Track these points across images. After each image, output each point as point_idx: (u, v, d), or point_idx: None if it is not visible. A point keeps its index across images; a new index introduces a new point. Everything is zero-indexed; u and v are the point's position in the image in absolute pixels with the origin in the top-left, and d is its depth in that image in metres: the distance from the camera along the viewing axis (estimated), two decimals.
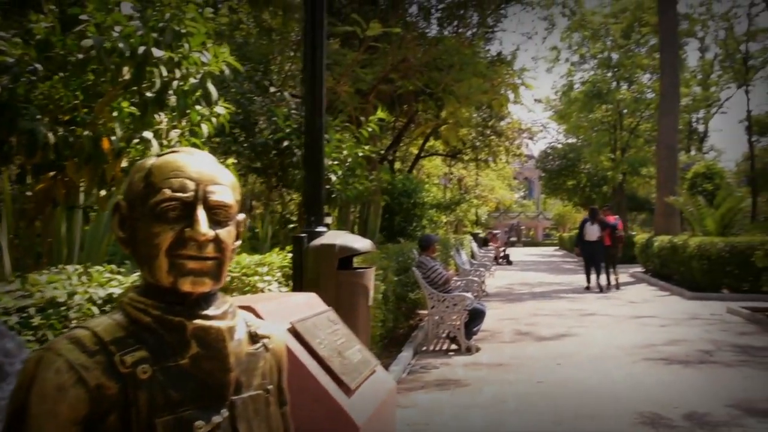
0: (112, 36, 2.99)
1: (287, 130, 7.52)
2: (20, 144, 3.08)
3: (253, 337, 1.31)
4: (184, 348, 1.15)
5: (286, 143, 7.51)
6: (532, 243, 55.51)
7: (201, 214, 1.17)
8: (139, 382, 1.10)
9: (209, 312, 1.20)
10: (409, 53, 11.46)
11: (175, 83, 3.32)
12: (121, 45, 2.94)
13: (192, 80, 3.40)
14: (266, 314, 2.35)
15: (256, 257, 4.60)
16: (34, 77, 3.11)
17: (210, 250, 1.17)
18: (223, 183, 1.23)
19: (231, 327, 1.23)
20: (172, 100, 3.35)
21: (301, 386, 2.30)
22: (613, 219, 15.52)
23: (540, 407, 5.40)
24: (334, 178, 7.25)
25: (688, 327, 9.38)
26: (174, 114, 3.55)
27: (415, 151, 21.02)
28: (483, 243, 26.55)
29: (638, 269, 19.11)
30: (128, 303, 1.19)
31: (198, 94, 3.45)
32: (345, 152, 7.48)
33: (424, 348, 7.90)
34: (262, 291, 4.13)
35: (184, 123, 3.78)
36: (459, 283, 10.31)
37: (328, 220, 6.30)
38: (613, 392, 5.81)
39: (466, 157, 23.71)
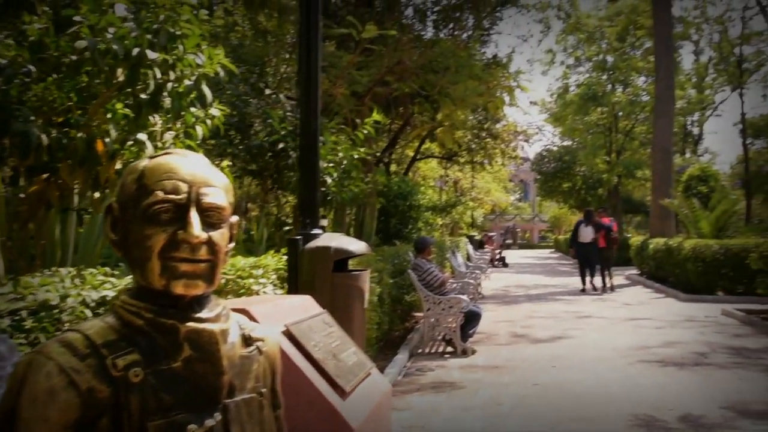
0: (106, 37, 2.97)
1: (282, 133, 7.51)
2: (13, 146, 3.06)
3: (247, 340, 1.30)
4: (176, 351, 1.15)
5: (281, 145, 7.50)
6: (528, 245, 55.52)
7: (194, 216, 1.16)
8: (131, 385, 1.09)
9: (202, 315, 1.19)
10: (405, 56, 11.47)
11: (169, 85, 3.30)
12: (115, 46, 2.92)
13: (187, 82, 3.39)
14: (261, 317, 2.34)
15: (251, 260, 4.59)
16: (28, 79, 3.10)
17: (203, 253, 1.16)
18: (216, 185, 1.22)
19: (224, 330, 1.22)
20: (167, 102, 3.34)
21: (295, 389, 2.29)
22: (607, 221, 15.55)
23: (536, 409, 5.39)
24: (329, 180, 7.25)
25: (683, 329, 9.40)
26: (168, 116, 3.54)
27: (411, 154, 21.03)
28: (479, 245, 26.55)
29: (633, 271, 19.14)
30: (120, 306, 1.18)
31: (193, 96, 3.44)
32: (340, 154, 7.47)
33: (420, 350, 7.90)
34: (257, 293, 4.12)
35: (178, 125, 3.77)
36: (455, 285, 10.30)
37: (324, 222, 6.31)
38: (609, 394, 5.81)
39: (461, 160, 23.74)
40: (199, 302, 1.20)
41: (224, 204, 1.22)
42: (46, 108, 3.24)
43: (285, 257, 4.58)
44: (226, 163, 5.51)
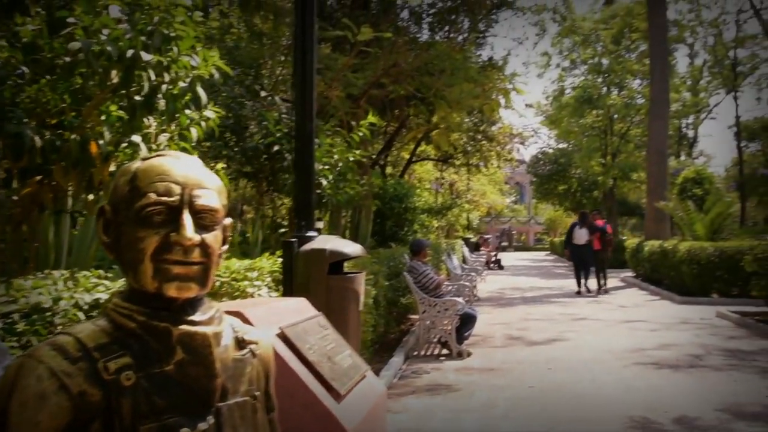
0: (101, 39, 2.96)
1: (278, 135, 7.50)
2: (6, 147, 3.05)
3: (240, 343, 1.29)
4: (169, 354, 1.14)
5: (276, 148, 7.49)
6: (524, 248, 55.61)
7: (187, 218, 1.15)
8: (122, 389, 1.08)
9: (195, 317, 1.18)
10: (401, 58, 11.47)
11: (164, 87, 3.29)
12: (109, 48, 2.91)
13: (181, 84, 3.38)
14: (255, 319, 2.33)
15: (246, 262, 4.58)
16: (21, 80, 3.09)
17: (196, 255, 1.16)
18: (209, 187, 1.22)
19: (217, 332, 1.21)
20: (161, 103, 3.33)
21: (290, 392, 2.28)
22: (601, 223, 15.60)
23: (531, 412, 5.39)
24: (324, 182, 7.24)
25: (678, 331, 9.41)
26: (163, 118, 3.53)
27: (407, 156, 21.03)
28: (474, 248, 26.57)
29: (629, 274, 19.17)
30: (113, 308, 1.17)
31: (187, 98, 3.43)
32: (336, 157, 7.47)
33: (415, 353, 7.89)
34: (251, 296, 4.11)
35: (173, 127, 3.76)
36: (450, 287, 10.30)
37: (320, 224, 6.29)
38: (604, 397, 5.81)
39: (457, 162, 23.75)
40: (192, 305, 1.19)
41: (217, 206, 1.22)
42: (39, 110, 3.23)
43: (280, 259, 4.56)
44: (221, 165, 5.49)
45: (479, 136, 21.23)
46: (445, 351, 7.86)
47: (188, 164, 1.23)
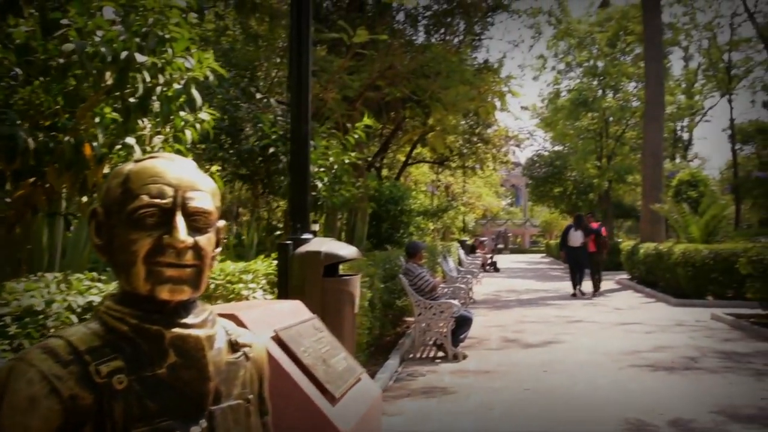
0: (95, 41, 2.95)
1: (273, 137, 7.49)
2: None
3: (234, 346, 1.29)
4: (161, 357, 1.13)
5: (272, 150, 7.48)
6: (519, 250, 55.72)
7: (179, 220, 1.15)
8: (114, 392, 1.07)
9: (188, 320, 1.17)
10: (396, 60, 11.48)
11: (158, 89, 3.28)
12: (103, 50, 2.90)
13: (176, 86, 3.36)
14: (250, 322, 2.32)
15: (241, 264, 4.56)
16: (14, 82, 3.07)
17: (189, 258, 1.15)
18: (202, 189, 1.21)
19: (210, 335, 1.20)
20: (156, 105, 3.31)
21: (284, 394, 2.28)
22: (596, 225, 15.65)
23: (527, 414, 5.39)
24: (320, 185, 7.23)
25: (674, 333, 9.43)
26: (157, 120, 3.51)
27: (403, 158, 21.05)
28: (470, 250, 26.58)
29: (624, 276, 19.21)
30: (105, 311, 1.17)
31: (182, 99, 3.42)
32: (331, 159, 7.46)
33: (411, 355, 7.88)
34: (246, 298, 4.10)
35: (167, 129, 3.74)
36: (446, 290, 10.29)
37: (315, 227, 6.29)
38: (599, 399, 5.82)
39: (453, 165, 23.79)
40: (185, 308, 1.19)
41: (211, 208, 1.21)
42: (33, 111, 3.21)
43: (275, 262, 4.55)
44: (215, 167, 5.48)
45: (475, 139, 21.28)
46: (440, 353, 7.86)
47: (181, 166, 1.22)
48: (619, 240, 26.71)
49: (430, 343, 8.13)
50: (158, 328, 1.14)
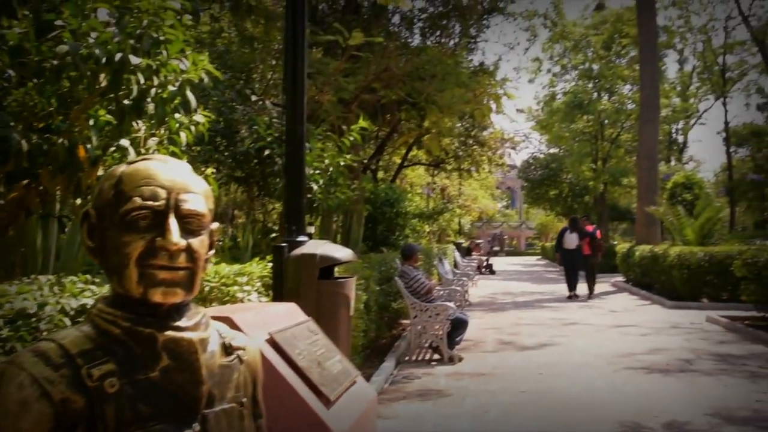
0: (89, 42, 2.94)
1: (269, 139, 7.48)
2: None
3: (227, 349, 1.28)
4: (154, 360, 1.13)
5: (267, 152, 7.47)
6: (515, 252, 55.72)
7: (172, 223, 1.14)
8: (106, 396, 1.06)
9: (181, 323, 1.17)
10: (392, 63, 11.49)
11: (153, 91, 3.27)
12: (97, 51, 2.89)
13: (171, 88, 3.36)
14: (244, 325, 2.31)
15: (236, 267, 4.55)
16: (8, 84, 3.06)
17: (182, 260, 1.15)
18: (195, 191, 1.21)
19: (203, 338, 1.20)
20: (150, 107, 3.30)
21: (279, 397, 2.27)
22: (590, 228, 15.69)
23: (522, 417, 5.38)
24: (315, 187, 7.22)
25: (669, 336, 9.45)
26: (152, 122, 3.50)
27: (398, 161, 21.06)
28: (466, 252, 26.59)
29: (619, 278, 19.24)
30: (97, 314, 1.16)
31: (177, 101, 3.41)
32: (327, 161, 7.45)
33: (407, 358, 7.87)
34: (241, 301, 4.08)
35: (162, 131, 3.73)
36: (442, 292, 10.29)
37: (311, 229, 6.27)
38: (595, 401, 5.82)
39: (449, 167, 23.80)
40: (178, 310, 1.18)
41: (204, 210, 1.20)
42: (26, 113, 3.20)
43: (270, 264, 4.54)
44: (210, 170, 5.47)
45: (470, 141, 21.30)
46: (436, 356, 7.85)
47: (175, 168, 1.22)
48: (615, 242, 26.76)
49: (426, 345, 8.12)
50: (151, 331, 1.13)
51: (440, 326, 7.72)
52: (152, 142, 3.64)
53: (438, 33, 16.04)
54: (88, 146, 3.14)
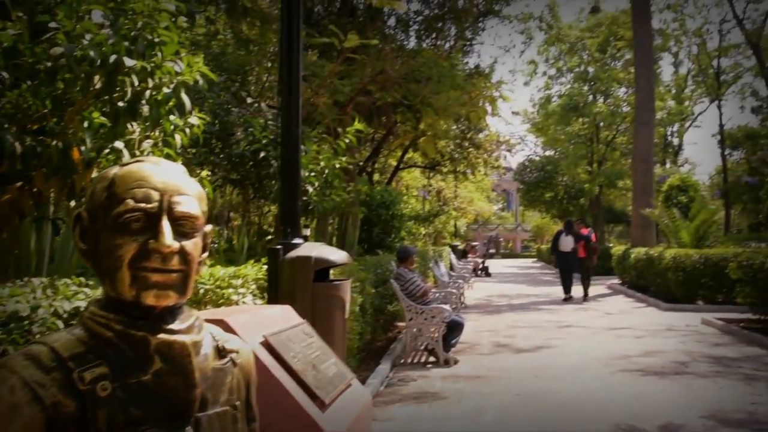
0: (83, 44, 2.93)
1: (264, 141, 7.48)
2: None
3: (221, 352, 1.27)
4: (147, 364, 1.12)
5: (262, 154, 7.47)
6: (511, 255, 55.78)
7: (165, 225, 1.14)
8: (98, 399, 1.06)
9: (174, 326, 1.16)
10: (387, 65, 11.49)
11: (147, 93, 3.26)
12: (91, 53, 2.88)
13: (165, 90, 3.35)
14: (239, 327, 2.30)
15: (231, 269, 4.54)
16: (2, 86, 3.04)
17: (175, 263, 1.14)
18: (188, 193, 1.20)
19: (196, 341, 1.19)
20: (145, 109, 3.29)
21: (273, 401, 2.26)
22: (585, 231, 15.73)
23: (518, 419, 5.38)
24: (311, 189, 7.22)
25: (664, 338, 9.46)
26: (147, 124, 3.49)
27: (394, 163, 21.07)
28: (462, 255, 26.61)
29: (615, 281, 19.27)
30: (89, 317, 1.15)
31: (171, 104, 3.40)
32: (322, 164, 7.45)
33: (402, 360, 7.86)
34: (236, 303, 4.08)
35: (157, 133, 3.72)
36: (437, 295, 10.29)
37: (306, 231, 6.27)
38: (590, 404, 5.82)
39: (444, 169, 23.83)
40: (171, 313, 1.18)
41: (197, 213, 1.20)
42: (20, 115, 3.18)
43: (265, 267, 4.53)
44: (206, 172, 5.45)
45: (466, 144, 21.33)
46: (432, 358, 7.85)
47: (168, 170, 1.21)
48: (610, 245, 26.80)
49: (422, 348, 8.11)
50: (143, 334, 1.12)
51: (436, 329, 7.71)
52: (147, 144, 3.63)
53: (433, 35, 16.07)
54: (83, 148, 3.13)
